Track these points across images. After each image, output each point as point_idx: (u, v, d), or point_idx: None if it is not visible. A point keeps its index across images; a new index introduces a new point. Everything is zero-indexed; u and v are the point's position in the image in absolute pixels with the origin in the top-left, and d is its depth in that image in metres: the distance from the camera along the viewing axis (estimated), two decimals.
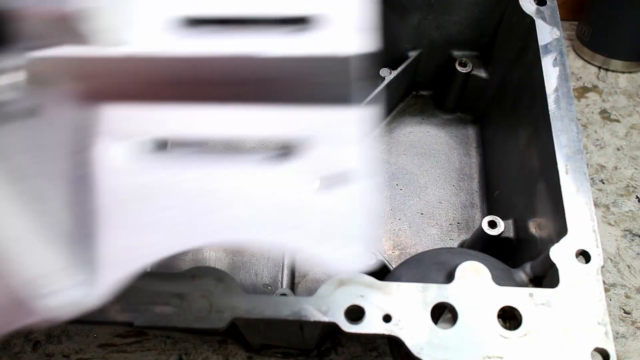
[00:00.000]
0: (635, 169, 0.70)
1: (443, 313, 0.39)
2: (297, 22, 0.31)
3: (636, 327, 0.59)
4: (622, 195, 0.68)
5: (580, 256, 0.42)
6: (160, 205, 0.29)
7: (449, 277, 0.40)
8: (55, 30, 0.27)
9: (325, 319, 0.38)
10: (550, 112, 0.49)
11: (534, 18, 0.54)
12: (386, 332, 0.37)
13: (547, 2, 0.56)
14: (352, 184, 0.29)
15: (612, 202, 0.67)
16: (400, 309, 0.38)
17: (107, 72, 0.30)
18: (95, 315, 0.38)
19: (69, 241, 0.28)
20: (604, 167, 0.70)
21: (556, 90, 0.50)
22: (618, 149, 0.72)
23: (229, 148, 0.32)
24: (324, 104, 0.30)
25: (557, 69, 0.51)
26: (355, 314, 0.38)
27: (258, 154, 0.31)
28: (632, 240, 0.65)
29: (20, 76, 0.27)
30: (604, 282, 0.42)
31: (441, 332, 0.38)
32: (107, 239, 0.29)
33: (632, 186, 0.68)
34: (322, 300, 0.38)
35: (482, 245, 0.54)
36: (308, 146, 0.30)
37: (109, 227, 0.29)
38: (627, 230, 0.65)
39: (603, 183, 0.69)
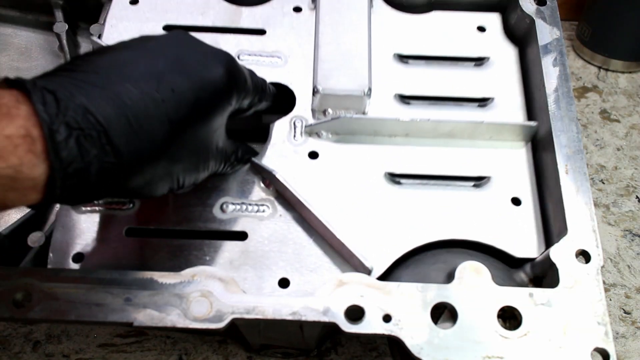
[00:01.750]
0: (635, 169, 0.70)
1: (443, 313, 0.39)
2: (479, 101, 0.55)
3: (636, 327, 0.59)
4: (622, 195, 0.68)
5: (580, 256, 0.42)
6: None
7: (449, 277, 0.41)
8: None
9: (325, 319, 0.38)
10: (550, 112, 0.48)
11: (534, 18, 0.54)
12: (386, 332, 0.37)
13: (547, 2, 0.56)
14: None
15: (612, 202, 0.67)
16: (400, 309, 0.38)
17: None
18: (95, 316, 0.38)
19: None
20: (604, 167, 0.70)
21: (556, 90, 0.50)
22: (618, 149, 0.72)
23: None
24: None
25: (557, 69, 0.51)
26: (355, 314, 0.38)
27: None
28: (632, 240, 0.65)
29: None
30: (604, 282, 0.42)
31: (441, 332, 0.38)
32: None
33: (632, 186, 0.68)
34: (322, 300, 0.38)
35: None
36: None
37: None
38: (627, 230, 0.65)
39: (603, 183, 0.69)
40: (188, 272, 0.40)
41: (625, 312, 0.60)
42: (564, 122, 0.48)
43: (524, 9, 0.55)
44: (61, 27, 0.59)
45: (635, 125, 0.74)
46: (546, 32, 0.53)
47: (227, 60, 0.40)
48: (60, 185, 0.31)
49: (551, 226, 0.48)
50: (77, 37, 0.63)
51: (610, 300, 0.61)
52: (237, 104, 0.42)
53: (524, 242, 0.47)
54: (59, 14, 0.60)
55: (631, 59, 0.77)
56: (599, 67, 0.78)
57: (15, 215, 0.55)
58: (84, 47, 0.63)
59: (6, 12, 0.63)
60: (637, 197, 0.68)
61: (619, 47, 0.76)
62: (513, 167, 0.51)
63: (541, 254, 0.44)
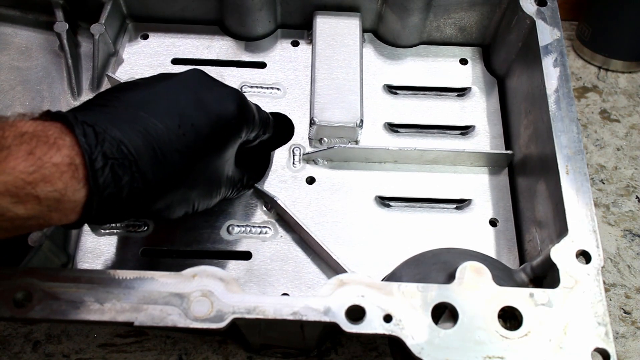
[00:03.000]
0: (635, 169, 0.70)
1: (444, 313, 0.39)
2: (462, 129, 0.61)
3: (636, 327, 0.59)
4: (622, 195, 0.68)
5: (581, 256, 0.42)
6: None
7: (450, 277, 0.41)
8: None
9: (326, 318, 0.38)
10: (550, 113, 0.49)
11: (535, 19, 0.55)
12: (386, 332, 0.37)
13: (548, 3, 0.56)
14: None
15: (612, 202, 0.67)
16: (400, 309, 0.38)
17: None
18: (95, 315, 0.38)
19: None
20: (604, 167, 0.70)
21: (556, 90, 0.50)
22: (618, 149, 0.72)
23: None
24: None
25: (558, 69, 0.51)
26: (355, 314, 0.38)
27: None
28: (632, 240, 0.65)
29: None
30: (604, 282, 0.42)
31: (441, 332, 0.38)
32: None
33: (632, 186, 0.68)
34: (322, 300, 0.38)
35: None
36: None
37: None
38: (627, 230, 0.65)
39: (603, 183, 0.69)
40: (189, 272, 0.40)
41: (625, 312, 0.60)
42: (564, 122, 0.48)
43: (524, 9, 0.55)
44: (61, 26, 0.59)
45: (635, 125, 0.74)
46: (546, 33, 0.53)
47: (239, 98, 0.45)
48: (96, 207, 0.35)
49: (525, 245, 0.53)
50: (77, 36, 0.63)
51: (610, 300, 0.61)
52: (245, 136, 0.47)
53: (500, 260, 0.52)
54: (59, 14, 0.60)
55: (631, 59, 0.77)
56: (599, 67, 0.78)
57: None
58: (84, 46, 0.63)
59: (6, 11, 0.63)
60: (637, 197, 0.68)
61: (619, 47, 0.76)
62: (491, 191, 0.57)
63: (541, 255, 0.44)
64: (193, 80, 0.43)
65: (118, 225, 0.54)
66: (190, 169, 0.41)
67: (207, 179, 0.44)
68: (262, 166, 0.56)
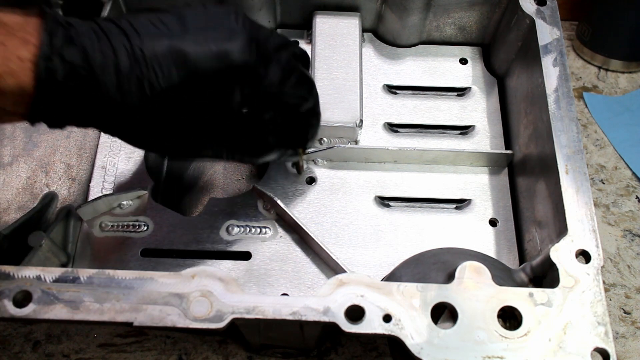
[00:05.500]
0: None
1: (443, 313, 0.39)
2: (461, 129, 0.61)
3: (636, 327, 0.59)
4: (622, 195, 0.68)
5: (580, 256, 0.42)
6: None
7: (449, 277, 0.40)
8: None
9: (325, 318, 0.38)
10: (550, 112, 0.49)
11: (534, 18, 0.54)
12: (386, 332, 0.37)
13: (547, 2, 0.56)
14: None
15: (612, 202, 0.67)
16: (400, 309, 0.38)
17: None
18: (95, 315, 0.38)
19: None
20: (604, 167, 0.70)
21: (556, 90, 0.50)
22: None
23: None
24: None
25: (557, 69, 0.51)
26: (355, 314, 0.38)
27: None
28: (632, 240, 0.65)
29: None
30: (604, 282, 0.42)
31: (441, 332, 0.38)
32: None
33: (632, 186, 0.68)
34: (322, 300, 0.38)
35: None
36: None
37: None
38: (627, 230, 0.65)
39: (603, 183, 0.69)
40: (188, 272, 0.40)
41: (625, 312, 0.60)
42: (564, 122, 0.48)
43: (524, 9, 0.55)
44: None
45: None
46: (546, 32, 0.53)
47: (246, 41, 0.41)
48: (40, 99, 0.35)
49: (524, 245, 0.52)
50: None
51: (610, 300, 0.61)
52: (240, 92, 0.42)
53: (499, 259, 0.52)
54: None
55: (631, 59, 0.77)
56: (599, 67, 0.78)
57: (15, 215, 0.55)
58: None
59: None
60: (637, 197, 0.68)
61: (619, 47, 0.76)
62: (491, 191, 0.57)
63: (541, 254, 0.44)
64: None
65: (117, 226, 0.54)
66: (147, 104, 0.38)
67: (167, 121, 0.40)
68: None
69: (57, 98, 0.35)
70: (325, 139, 0.58)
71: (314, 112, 0.48)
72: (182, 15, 0.39)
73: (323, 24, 0.63)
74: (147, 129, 0.40)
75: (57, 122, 0.38)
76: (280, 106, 0.44)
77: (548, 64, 0.51)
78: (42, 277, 0.39)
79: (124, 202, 0.55)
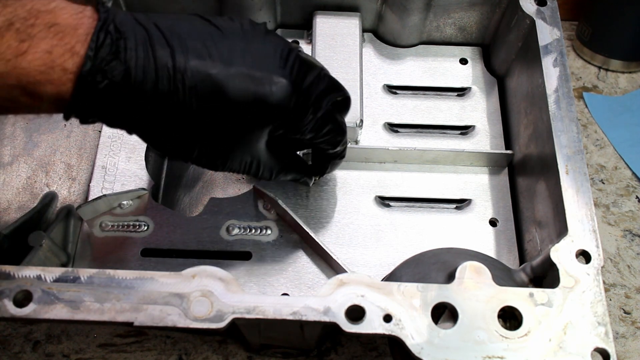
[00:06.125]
0: None
1: (443, 313, 0.39)
2: (462, 129, 0.61)
3: (636, 327, 0.59)
4: (622, 195, 0.68)
5: (580, 256, 0.42)
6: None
7: (449, 277, 0.41)
8: None
9: (326, 318, 0.38)
10: (550, 112, 0.49)
11: (534, 18, 0.54)
12: (386, 332, 0.37)
13: (548, 3, 0.56)
14: None
15: (612, 202, 0.67)
16: (400, 309, 0.38)
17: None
18: (95, 315, 0.38)
19: None
20: (604, 167, 0.70)
21: (556, 90, 0.50)
22: None
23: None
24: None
25: (557, 69, 0.51)
26: (355, 314, 0.38)
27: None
28: (632, 240, 0.65)
29: None
30: (604, 282, 0.42)
31: (441, 332, 0.38)
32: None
33: (632, 186, 0.68)
34: (322, 300, 0.38)
35: None
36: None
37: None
38: (627, 230, 0.65)
39: (603, 183, 0.69)
40: (188, 271, 0.40)
41: (625, 312, 0.60)
42: (564, 122, 0.48)
43: (524, 9, 0.55)
44: None
45: None
46: (546, 33, 0.53)
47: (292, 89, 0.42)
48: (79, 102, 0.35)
49: (524, 245, 0.52)
50: None
51: (610, 300, 0.61)
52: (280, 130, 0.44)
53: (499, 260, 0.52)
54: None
55: (631, 59, 0.77)
56: (599, 67, 0.78)
57: (15, 215, 0.55)
58: None
59: None
60: (637, 197, 0.68)
61: (619, 47, 0.76)
62: (491, 191, 0.57)
63: (541, 254, 0.44)
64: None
65: (117, 226, 0.54)
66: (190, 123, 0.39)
67: (207, 136, 0.41)
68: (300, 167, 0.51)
69: (92, 105, 0.36)
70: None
71: (340, 156, 0.50)
72: (233, 44, 0.39)
73: (323, 24, 0.63)
74: (173, 139, 0.40)
75: (89, 121, 0.38)
76: (309, 147, 0.48)
77: (548, 64, 0.52)
78: (42, 277, 0.39)
79: (124, 202, 0.55)
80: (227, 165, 0.43)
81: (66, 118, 0.37)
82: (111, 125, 0.40)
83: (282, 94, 0.39)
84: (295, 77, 0.40)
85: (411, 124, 0.61)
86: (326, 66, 0.59)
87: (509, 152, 0.57)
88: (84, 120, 0.38)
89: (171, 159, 0.42)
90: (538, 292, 0.39)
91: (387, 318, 0.38)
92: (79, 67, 0.34)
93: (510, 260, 0.52)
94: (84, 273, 0.39)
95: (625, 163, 0.69)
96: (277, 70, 0.40)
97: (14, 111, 0.36)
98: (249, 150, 0.43)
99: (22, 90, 0.34)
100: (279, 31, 0.66)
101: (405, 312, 0.38)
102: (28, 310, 0.38)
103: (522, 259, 0.52)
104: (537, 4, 0.56)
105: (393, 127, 0.61)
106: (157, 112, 0.38)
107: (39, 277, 0.39)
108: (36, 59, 0.33)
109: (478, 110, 0.62)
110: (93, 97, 0.35)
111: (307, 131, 0.43)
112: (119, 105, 0.37)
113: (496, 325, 0.38)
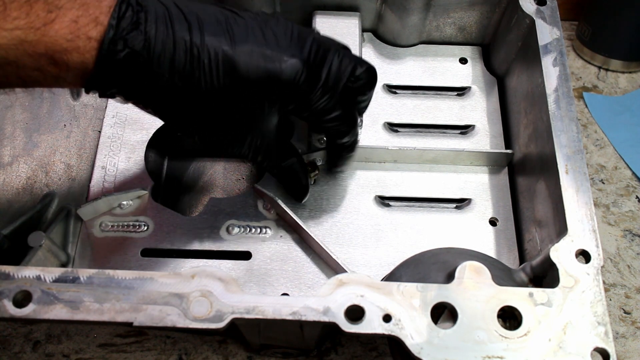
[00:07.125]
0: None
1: (443, 313, 0.39)
2: (461, 129, 0.61)
3: (636, 327, 0.59)
4: (622, 195, 0.68)
5: (580, 256, 0.42)
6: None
7: (449, 277, 0.40)
8: None
9: (325, 319, 0.38)
10: (550, 112, 0.48)
11: (534, 18, 0.54)
12: (386, 332, 0.37)
13: (547, 2, 0.56)
14: None
15: (612, 202, 0.67)
16: (400, 309, 0.38)
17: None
18: (95, 315, 0.38)
19: None
20: (604, 167, 0.70)
21: (556, 90, 0.50)
22: None
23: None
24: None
25: (557, 69, 0.51)
26: (355, 314, 0.38)
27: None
28: (632, 240, 0.65)
29: None
30: (604, 282, 0.42)
31: (441, 332, 0.38)
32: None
33: (632, 186, 0.68)
34: (322, 300, 0.38)
35: None
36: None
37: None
38: (627, 230, 0.65)
39: (603, 183, 0.69)
40: (188, 272, 0.40)
41: (625, 312, 0.60)
42: (564, 122, 0.48)
43: (524, 9, 0.55)
44: None
45: None
46: (546, 32, 0.53)
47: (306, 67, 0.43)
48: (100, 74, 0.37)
49: (524, 245, 0.52)
50: None
51: (610, 300, 0.61)
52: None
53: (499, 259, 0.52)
54: None
55: (631, 59, 0.77)
56: (599, 67, 0.78)
57: (15, 215, 0.55)
58: None
59: None
60: (637, 197, 0.68)
61: (619, 47, 0.76)
62: (491, 191, 0.57)
63: (541, 254, 0.44)
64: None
65: (117, 226, 0.54)
66: (202, 105, 0.41)
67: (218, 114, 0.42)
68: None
69: (113, 74, 0.38)
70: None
71: (349, 148, 0.51)
72: (248, 25, 0.41)
73: (323, 24, 0.63)
74: (186, 115, 0.42)
75: (107, 94, 0.40)
76: (319, 130, 0.48)
77: (548, 64, 0.51)
78: (42, 277, 0.39)
79: (124, 202, 0.55)
80: (237, 145, 0.45)
81: (87, 91, 0.38)
82: (128, 98, 0.41)
83: (293, 71, 0.41)
84: (311, 57, 0.42)
85: (411, 124, 0.61)
86: None
87: (508, 151, 0.57)
88: (103, 93, 0.39)
89: (184, 135, 0.43)
90: (538, 291, 0.39)
91: (387, 318, 0.38)
92: (102, 35, 0.36)
93: (510, 260, 0.52)
94: (84, 273, 0.39)
95: (625, 163, 0.69)
96: (288, 49, 0.41)
97: (40, 83, 0.37)
98: (259, 130, 0.44)
99: (49, 59, 0.35)
100: None
101: (404, 312, 0.38)
102: (28, 311, 0.38)
103: (521, 258, 0.52)
104: (537, 4, 0.56)
105: (393, 127, 0.61)
106: (172, 85, 0.39)
107: (38, 278, 0.39)
108: (63, 28, 0.35)
109: (478, 110, 0.62)
110: (114, 66, 0.37)
111: (317, 113, 0.45)
112: (137, 76, 0.38)
113: (496, 325, 0.38)
